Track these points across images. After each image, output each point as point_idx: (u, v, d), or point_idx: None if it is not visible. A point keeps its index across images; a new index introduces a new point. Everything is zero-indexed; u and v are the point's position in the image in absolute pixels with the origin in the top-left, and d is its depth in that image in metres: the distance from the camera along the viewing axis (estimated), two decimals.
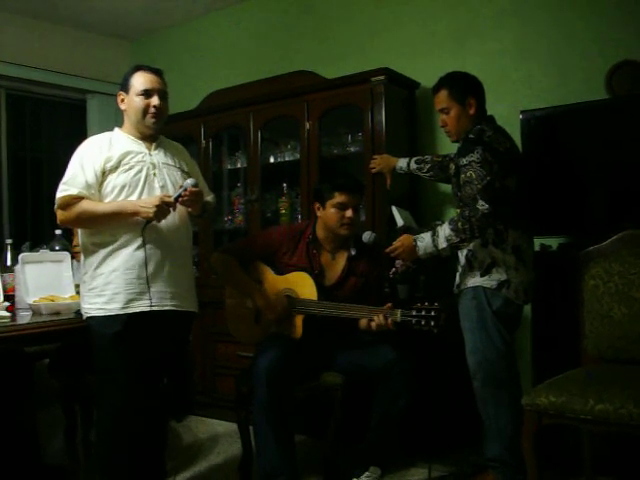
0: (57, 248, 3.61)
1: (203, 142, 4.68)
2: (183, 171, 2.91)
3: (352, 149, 4.11)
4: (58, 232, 3.66)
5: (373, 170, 3.72)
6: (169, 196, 2.67)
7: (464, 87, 3.01)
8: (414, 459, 3.44)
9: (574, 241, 3.34)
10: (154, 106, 2.78)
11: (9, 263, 3.56)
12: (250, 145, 4.43)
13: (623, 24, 3.50)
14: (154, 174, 2.77)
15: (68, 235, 3.65)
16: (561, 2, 3.71)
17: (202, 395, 4.51)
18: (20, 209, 5.43)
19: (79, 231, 2.83)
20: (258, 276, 3.27)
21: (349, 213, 3.14)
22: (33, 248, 3.78)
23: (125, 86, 2.81)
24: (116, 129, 2.89)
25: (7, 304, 3.13)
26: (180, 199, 2.68)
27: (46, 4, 5.04)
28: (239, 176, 4.74)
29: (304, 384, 3.11)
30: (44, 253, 3.52)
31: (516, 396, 2.72)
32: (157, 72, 2.87)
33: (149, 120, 2.79)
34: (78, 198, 2.65)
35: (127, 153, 2.74)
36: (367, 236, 3.17)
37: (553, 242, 3.43)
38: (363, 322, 3.05)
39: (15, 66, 5.09)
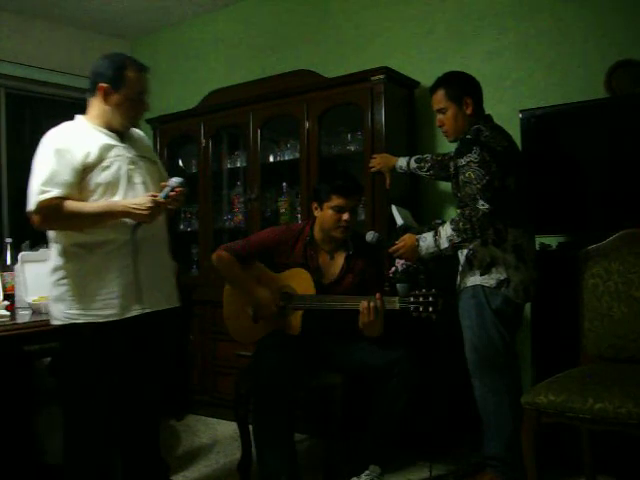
0: None
1: (203, 141, 4.69)
2: (153, 162, 2.79)
3: (352, 148, 4.11)
4: None
5: (372, 169, 3.72)
6: (156, 195, 2.53)
7: (461, 87, 3.01)
8: (414, 458, 3.44)
9: (574, 240, 3.34)
10: (144, 108, 2.69)
11: (9, 262, 3.57)
12: (250, 144, 4.43)
13: (622, 24, 3.50)
14: (132, 169, 2.61)
15: None
16: (560, 1, 3.71)
17: (202, 394, 4.51)
18: (20, 208, 5.40)
19: (53, 233, 2.60)
20: (256, 275, 3.27)
21: (346, 216, 3.13)
22: (33, 247, 3.78)
23: (114, 81, 2.56)
24: (80, 118, 2.67)
25: (7, 303, 3.14)
26: (169, 199, 2.56)
27: (46, 3, 5.04)
28: (239, 175, 4.74)
29: (303, 383, 3.11)
30: (44, 252, 3.52)
31: (515, 395, 2.72)
32: (145, 69, 2.67)
33: (134, 121, 2.70)
34: (61, 199, 2.44)
35: (103, 146, 2.55)
36: (370, 236, 3.16)
37: (553, 241, 3.43)
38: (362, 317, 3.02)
39: (15, 65, 5.10)
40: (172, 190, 2.57)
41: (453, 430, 3.50)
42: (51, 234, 2.62)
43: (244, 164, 4.61)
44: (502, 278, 2.86)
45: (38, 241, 3.93)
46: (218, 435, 4.07)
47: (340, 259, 3.25)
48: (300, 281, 3.15)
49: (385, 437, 3.10)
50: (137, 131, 2.83)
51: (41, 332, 2.86)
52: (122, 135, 2.66)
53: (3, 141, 5.21)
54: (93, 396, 2.55)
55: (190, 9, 5.30)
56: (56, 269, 2.57)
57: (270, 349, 3.02)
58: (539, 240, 3.30)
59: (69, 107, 5.67)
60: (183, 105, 4.98)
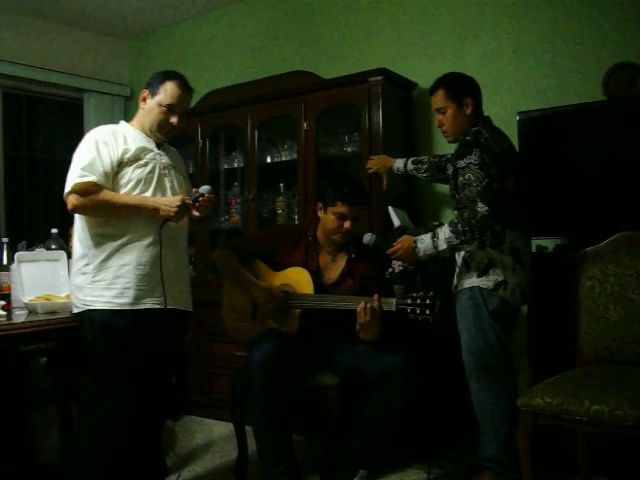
0: (53, 247, 3.59)
1: (200, 141, 4.68)
2: (183, 176, 2.95)
3: (349, 149, 4.11)
4: (54, 231, 3.65)
5: (370, 170, 3.72)
6: (187, 198, 2.67)
7: (461, 87, 3.01)
8: (411, 460, 3.44)
9: (570, 242, 3.34)
10: (171, 123, 2.78)
11: (5, 262, 3.55)
12: (247, 145, 4.43)
13: (620, 26, 3.51)
14: (164, 174, 2.79)
15: (64, 234, 3.63)
16: (558, 3, 3.71)
17: (198, 395, 4.51)
18: (16, 208, 5.42)
19: (81, 220, 2.73)
20: (257, 273, 3.28)
21: (347, 224, 3.12)
22: (29, 247, 3.77)
23: (153, 87, 2.78)
24: (124, 123, 2.88)
25: (3, 303, 3.12)
26: (197, 204, 2.70)
27: (43, 3, 5.03)
28: (236, 176, 4.74)
29: (300, 382, 3.11)
30: (40, 252, 3.51)
31: (512, 397, 2.73)
32: (188, 89, 2.82)
33: (161, 133, 2.80)
34: (97, 186, 2.60)
35: (143, 149, 2.73)
36: (368, 238, 3.15)
37: (549, 243, 3.44)
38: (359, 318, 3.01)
39: (12, 64, 5.08)
40: (201, 196, 2.70)
41: (449, 432, 3.50)
42: (78, 223, 2.75)
43: (241, 165, 4.60)
44: (499, 280, 2.86)
45: (34, 241, 3.93)
46: (214, 436, 4.07)
47: (341, 262, 3.25)
48: (299, 280, 3.15)
49: (378, 441, 3.09)
50: (173, 149, 3.00)
51: (37, 332, 2.85)
52: (159, 144, 2.83)
53: (0, 141, 5.21)
54: (112, 382, 2.64)
55: (188, 10, 5.29)
56: (79, 258, 2.72)
57: (265, 343, 3.02)
58: (536, 242, 3.30)
59: (67, 107, 5.68)
60: None
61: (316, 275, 3.18)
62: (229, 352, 4.17)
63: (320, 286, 3.16)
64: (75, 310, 2.73)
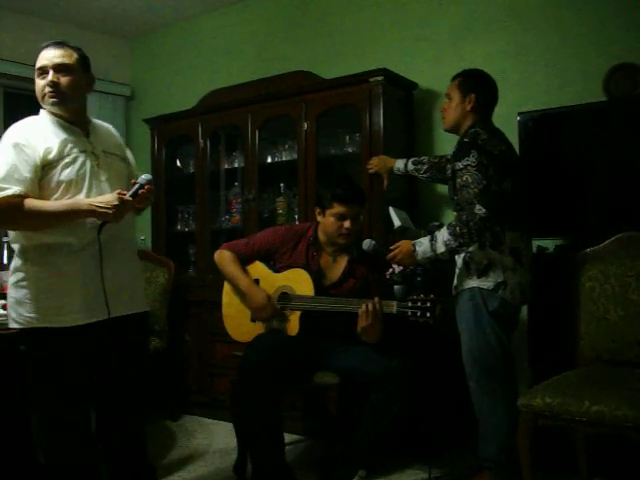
0: None
1: (201, 141, 4.68)
2: (122, 158, 2.66)
3: (350, 149, 4.11)
4: None
5: (370, 171, 3.72)
6: (124, 193, 2.37)
7: (471, 83, 3.03)
8: (410, 460, 3.44)
9: (570, 243, 3.34)
10: (48, 84, 2.42)
11: (5, 261, 3.55)
12: (248, 145, 4.43)
13: (621, 26, 3.51)
14: (97, 165, 2.48)
15: None
16: (559, 4, 3.71)
17: (198, 395, 4.51)
18: None
19: (12, 232, 2.46)
20: (257, 273, 3.27)
21: (347, 224, 3.13)
22: None
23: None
24: (43, 112, 2.53)
25: (3, 302, 3.12)
26: (137, 197, 2.41)
27: (45, 2, 5.03)
28: (236, 176, 4.74)
29: (299, 383, 3.11)
30: None
31: (512, 397, 2.73)
32: (58, 44, 2.48)
33: (47, 102, 2.45)
34: (20, 197, 2.29)
35: (66, 142, 2.43)
36: (367, 244, 3.15)
37: (549, 244, 3.43)
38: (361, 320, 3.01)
39: (13, 64, 5.08)
40: (141, 188, 2.42)
41: (449, 432, 3.50)
42: (11, 234, 2.49)
43: (242, 165, 4.60)
44: (499, 280, 2.86)
45: None
46: (214, 436, 4.06)
47: (342, 262, 3.25)
48: (300, 282, 3.15)
49: (376, 441, 3.09)
50: (106, 125, 2.72)
51: None
52: (85, 127, 2.54)
53: None
54: (57, 397, 2.44)
55: (189, 9, 5.29)
56: (16, 270, 2.46)
57: (259, 343, 3.02)
58: (536, 243, 3.30)
59: None
60: (181, 105, 4.97)
61: (317, 275, 3.18)
62: (229, 352, 4.15)
63: (321, 286, 3.16)
64: (15, 325, 2.45)
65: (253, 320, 3.23)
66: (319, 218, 3.24)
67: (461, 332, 2.97)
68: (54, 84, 2.43)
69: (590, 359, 2.82)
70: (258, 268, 3.30)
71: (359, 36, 4.49)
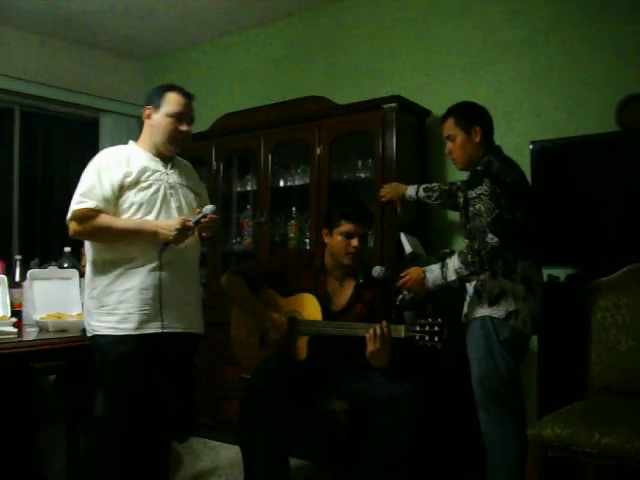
0: (65, 265, 3.62)
1: (214, 164, 4.71)
2: (195, 192, 2.91)
3: (362, 175, 4.13)
4: (67, 249, 3.67)
5: (383, 199, 3.73)
6: (188, 220, 2.63)
7: (470, 116, 3.02)
8: None
9: (582, 272, 3.33)
10: (181, 132, 2.77)
11: (17, 279, 3.57)
12: (260, 168, 4.46)
13: (635, 57, 3.52)
14: (171, 194, 2.76)
15: (77, 253, 3.65)
16: (573, 33, 3.73)
17: (206, 417, 4.50)
18: (30, 225, 5.46)
19: (88, 246, 2.76)
20: (265, 298, 3.27)
21: (355, 242, 3.13)
22: (42, 265, 3.79)
23: (155, 102, 2.76)
24: (132, 143, 2.85)
25: (14, 320, 3.14)
26: (199, 225, 2.67)
27: (60, 23, 5.11)
28: (248, 199, 4.76)
29: (307, 408, 3.09)
30: (52, 270, 3.54)
31: (521, 426, 2.71)
32: (189, 96, 2.82)
33: (173, 145, 2.78)
34: (95, 211, 2.60)
35: (145, 170, 2.71)
36: (377, 271, 3.15)
37: (560, 273, 3.43)
38: (369, 345, 3.00)
39: (30, 83, 5.15)
40: (204, 217, 2.67)
41: (458, 461, 3.46)
42: (86, 247, 2.78)
43: (254, 188, 4.63)
44: (511, 309, 2.84)
45: (47, 259, 3.95)
46: (221, 458, 4.05)
47: (349, 287, 3.24)
48: (307, 307, 3.15)
49: (384, 470, 3.05)
50: (186, 163, 2.99)
51: (47, 350, 2.87)
52: (168, 161, 2.81)
53: (16, 158, 5.27)
54: (117, 406, 2.65)
55: (203, 33, 5.36)
56: (88, 283, 2.75)
57: (267, 367, 3.01)
58: (547, 272, 3.29)
59: (81, 126, 5.73)
60: (195, 127, 4.97)
61: (324, 301, 3.17)
62: (238, 375, 4.14)
63: (329, 312, 3.15)
64: (87, 334, 2.74)
65: (262, 345, 3.22)
66: (326, 239, 3.24)
67: (471, 361, 2.95)
68: (185, 134, 2.80)
69: (600, 389, 2.81)
70: (266, 293, 3.29)
71: (373, 62, 4.53)
